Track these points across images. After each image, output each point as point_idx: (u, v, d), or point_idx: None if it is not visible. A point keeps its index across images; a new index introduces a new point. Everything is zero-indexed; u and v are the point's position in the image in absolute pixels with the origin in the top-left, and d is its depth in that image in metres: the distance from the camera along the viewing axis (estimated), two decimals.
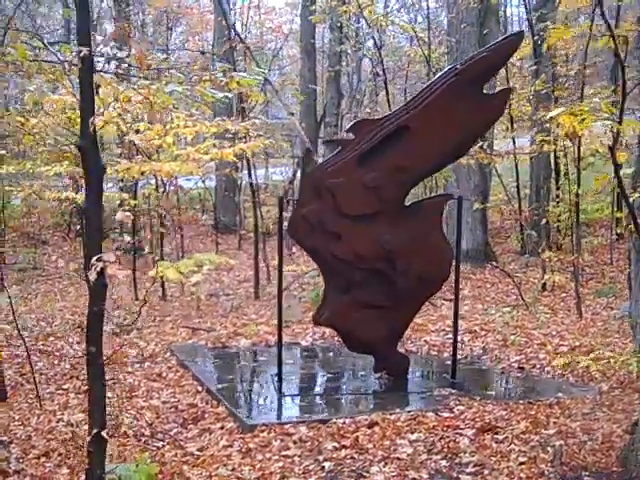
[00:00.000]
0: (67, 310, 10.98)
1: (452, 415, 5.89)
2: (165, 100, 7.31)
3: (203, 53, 18.04)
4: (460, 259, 7.10)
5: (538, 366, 7.35)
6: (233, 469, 5.08)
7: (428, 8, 14.91)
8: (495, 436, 5.36)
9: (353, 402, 6.45)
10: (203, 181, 17.33)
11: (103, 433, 3.38)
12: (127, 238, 11.89)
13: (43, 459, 5.54)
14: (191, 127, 10.78)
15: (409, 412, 5.94)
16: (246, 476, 4.96)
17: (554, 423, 5.59)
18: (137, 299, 11.89)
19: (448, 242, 6.80)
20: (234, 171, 15.60)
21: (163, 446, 5.61)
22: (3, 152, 14.04)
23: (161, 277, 10.49)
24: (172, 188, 15.29)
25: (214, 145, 10.93)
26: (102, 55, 4.06)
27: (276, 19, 24.35)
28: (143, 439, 5.78)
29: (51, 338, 9.11)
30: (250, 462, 5.17)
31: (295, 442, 5.44)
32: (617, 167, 3.91)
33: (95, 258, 3.34)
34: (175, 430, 5.91)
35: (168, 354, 8.01)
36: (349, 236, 6.47)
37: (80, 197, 13.54)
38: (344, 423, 5.73)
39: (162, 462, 5.28)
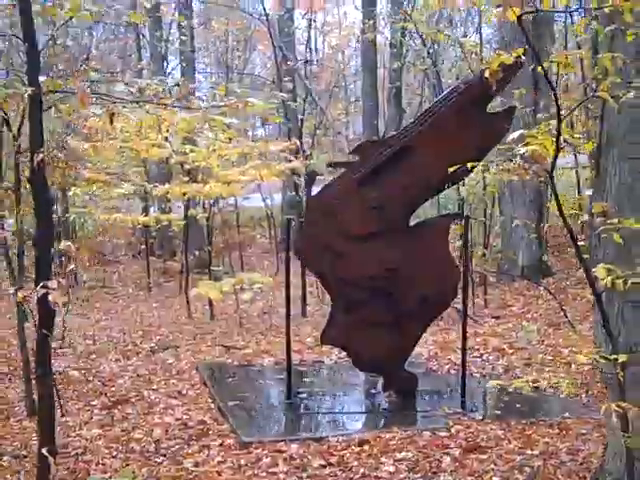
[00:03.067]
0: (115, 328, 11.37)
1: (447, 435, 5.93)
2: (185, 126, 7.66)
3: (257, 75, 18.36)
4: (519, 273, 7.08)
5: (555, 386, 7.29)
6: None
7: (480, 23, 14.85)
8: (479, 456, 5.38)
9: (356, 420, 6.55)
10: (264, 200, 17.66)
11: (43, 451, 3.57)
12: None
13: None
14: (232, 149, 11.11)
15: (405, 431, 6.00)
16: None
17: (544, 443, 5.57)
18: (190, 317, 12.25)
19: (454, 263, 6.83)
20: (292, 190, 15.85)
21: (162, 462, 5.83)
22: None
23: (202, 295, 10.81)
24: (224, 208, 15.71)
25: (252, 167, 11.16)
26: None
27: (340, 35, 24.58)
28: (147, 454, 6.02)
29: (93, 355, 9.48)
30: (237, 478, 5.34)
31: (285, 459, 5.58)
32: (556, 195, 3.92)
33: (40, 285, 3.57)
34: (178, 446, 6.11)
35: (194, 372, 8.25)
36: (352, 256, 6.59)
37: (146, 218, 14.09)
38: (337, 441, 5.84)
39: (157, 477, 5.51)
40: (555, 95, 3.81)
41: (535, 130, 4.45)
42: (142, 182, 15.19)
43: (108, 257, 19.86)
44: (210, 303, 11.97)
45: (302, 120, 16.20)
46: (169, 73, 19.91)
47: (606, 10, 3.92)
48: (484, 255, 12.22)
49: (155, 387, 7.85)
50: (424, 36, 15.59)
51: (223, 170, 11.34)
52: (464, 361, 7.00)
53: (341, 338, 6.81)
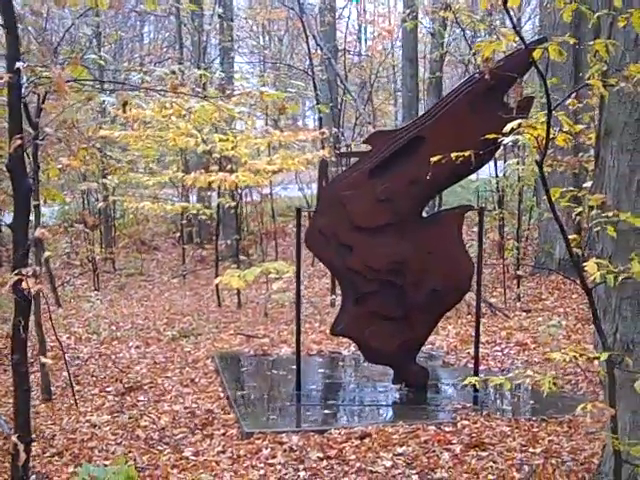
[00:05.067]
0: (141, 315, 11.44)
1: (452, 430, 5.81)
2: (203, 114, 7.63)
3: (291, 67, 18.30)
4: (555, 267, 6.92)
5: (573, 382, 7.13)
6: (215, 474, 5.24)
7: (519, 13, 14.55)
8: (480, 453, 5.27)
9: (361, 413, 6.47)
10: (300, 189, 17.60)
11: (14, 438, 3.57)
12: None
13: (56, 458, 5.87)
14: (261, 138, 11.09)
15: (410, 425, 5.90)
16: None
17: (549, 441, 5.43)
18: (219, 305, 12.26)
19: (468, 255, 6.69)
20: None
21: (164, 450, 5.82)
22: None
23: (225, 284, 10.82)
24: (260, 197, 15.72)
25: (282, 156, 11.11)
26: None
27: (383, 24, 24.33)
28: (150, 442, 6.02)
29: (115, 342, 9.54)
30: (235, 468, 5.31)
31: (285, 451, 5.53)
32: (546, 186, 3.78)
33: (15, 272, 3.56)
34: (182, 435, 6.11)
35: (209, 360, 8.24)
36: (361, 248, 6.49)
37: (173, 207, 14.15)
38: (339, 434, 5.77)
39: (156, 465, 5.51)
40: (545, 84, 3.67)
41: (534, 120, 4.34)
42: (178, 171, 15.25)
43: (147, 244, 20.00)
44: (238, 292, 11.96)
45: (339, 110, 16.12)
46: (209, 63, 19.88)
47: None
48: (517, 249, 12.00)
49: (169, 375, 7.86)
50: (464, 25, 15.35)
51: (252, 159, 11.33)
52: (477, 354, 6.87)
53: (351, 329, 6.72)
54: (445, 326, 9.70)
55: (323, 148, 11.89)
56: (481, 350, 8.42)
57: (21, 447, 3.49)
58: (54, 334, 9.13)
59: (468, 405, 6.43)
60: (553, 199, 4.06)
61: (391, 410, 6.59)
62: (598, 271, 3.65)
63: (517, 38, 3.84)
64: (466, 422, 5.96)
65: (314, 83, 12.46)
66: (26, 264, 3.72)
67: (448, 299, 6.68)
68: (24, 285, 3.56)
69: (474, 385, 6.70)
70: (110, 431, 6.31)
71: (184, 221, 15.84)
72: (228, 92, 8.12)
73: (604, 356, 3.40)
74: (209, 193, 16.64)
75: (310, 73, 12.71)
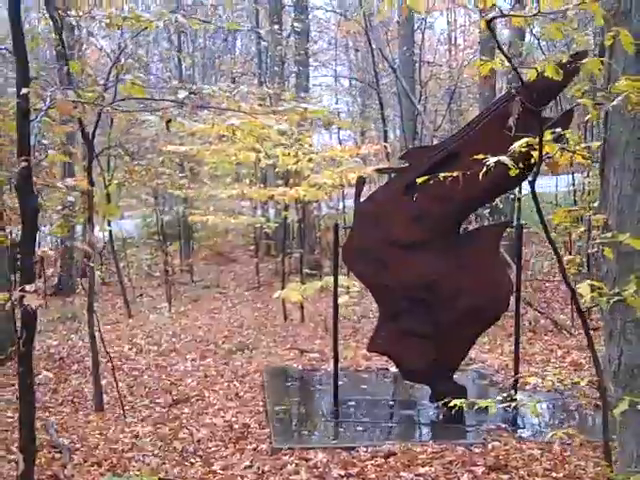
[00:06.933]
0: (204, 327, 11.67)
1: (480, 451, 5.74)
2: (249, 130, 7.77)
3: (358, 80, 18.30)
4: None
5: None
6: None
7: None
8: (500, 476, 5.19)
9: (393, 431, 6.43)
10: None
11: (13, 448, 3.72)
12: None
13: (95, 467, 6.06)
14: (320, 152, 11.18)
15: (440, 445, 5.86)
16: None
17: (575, 466, 5.30)
18: (285, 319, 12.38)
19: (506, 273, 6.59)
20: None
21: (195, 462, 5.94)
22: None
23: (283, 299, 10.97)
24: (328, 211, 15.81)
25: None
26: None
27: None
28: (185, 455, 6.15)
29: (173, 354, 9.77)
30: None
31: (309, 467, 5.58)
32: (537, 204, 3.72)
33: (19, 289, 3.74)
34: (215, 448, 6.22)
35: (257, 375, 8.35)
36: (395, 264, 6.49)
37: (238, 219, 14.39)
38: (366, 451, 5.78)
39: (184, 477, 5.63)
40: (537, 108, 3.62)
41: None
42: (251, 184, 15.50)
43: (226, 257, 20.36)
44: (301, 306, 12.06)
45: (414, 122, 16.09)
46: (287, 77, 20.13)
47: None
48: (580, 266, 11.68)
49: (217, 388, 8.01)
50: (538, 35, 15.13)
51: (314, 174, 11.43)
52: (516, 373, 6.74)
53: (387, 346, 6.72)
54: (502, 344, 9.57)
55: (388, 161, 11.93)
56: (532, 369, 8.31)
57: (20, 457, 3.64)
58: (114, 345, 9.45)
59: (503, 426, 6.33)
60: (558, 220, 4.00)
61: (425, 429, 6.55)
62: (591, 293, 3.57)
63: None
64: (497, 444, 5.88)
65: (379, 97, 12.48)
66: (32, 280, 3.88)
67: (485, 317, 6.58)
68: (26, 301, 3.71)
69: (515, 406, 6.62)
70: (150, 442, 6.47)
71: (253, 234, 16.00)
72: (278, 108, 8.18)
73: (584, 382, 3.31)
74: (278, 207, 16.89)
75: (375, 87, 12.73)
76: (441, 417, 6.68)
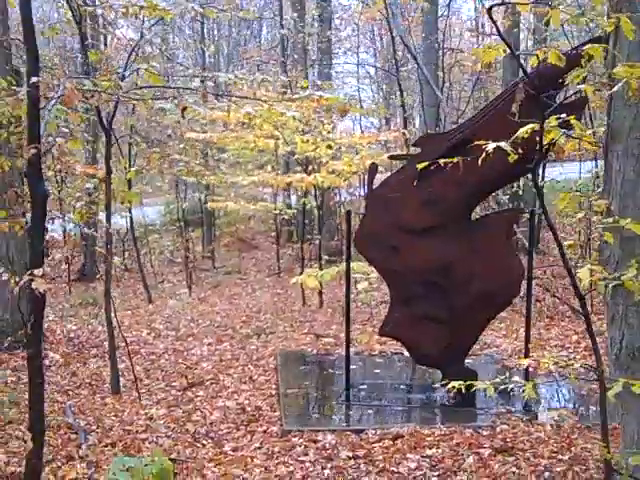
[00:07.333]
0: (222, 312, 11.77)
1: (489, 434, 5.78)
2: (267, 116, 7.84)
3: (376, 67, 18.26)
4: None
5: None
6: (247, 469, 5.41)
7: None
8: (506, 458, 5.23)
9: (405, 414, 6.49)
10: None
11: (22, 427, 3.83)
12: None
13: (109, 447, 6.17)
14: (340, 139, 11.21)
15: (448, 427, 5.91)
16: (254, 476, 5.27)
17: (581, 449, 5.33)
18: (304, 304, 12.46)
19: (518, 258, 6.61)
20: None
21: (207, 444, 6.04)
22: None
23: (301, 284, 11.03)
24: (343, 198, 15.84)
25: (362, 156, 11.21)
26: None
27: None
28: (197, 437, 6.25)
29: (190, 338, 9.89)
30: (266, 464, 5.47)
31: (317, 449, 5.65)
32: (539, 191, 3.74)
33: (27, 273, 3.84)
34: (227, 430, 6.31)
35: (272, 359, 8.43)
36: (407, 250, 6.54)
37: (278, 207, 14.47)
38: (374, 434, 5.84)
39: (194, 458, 5.73)
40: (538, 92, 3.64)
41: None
42: (272, 171, 15.57)
43: (248, 243, 20.47)
44: (319, 292, 12.13)
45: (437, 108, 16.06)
46: (310, 64, 20.13)
47: None
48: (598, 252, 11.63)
49: (231, 372, 8.10)
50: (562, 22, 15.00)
51: (333, 160, 11.48)
52: (527, 356, 6.75)
53: (399, 330, 6.77)
54: (518, 329, 9.58)
55: (408, 149, 11.93)
56: (545, 354, 8.30)
57: (28, 437, 3.74)
58: (133, 330, 9.55)
59: (513, 409, 6.36)
60: (562, 205, 4.02)
61: (435, 412, 6.60)
62: (590, 277, 3.60)
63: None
64: (505, 427, 5.92)
65: (398, 83, 12.49)
66: (40, 265, 3.97)
67: (497, 302, 6.61)
68: (34, 285, 3.80)
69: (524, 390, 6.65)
70: (164, 424, 6.57)
71: (273, 221, 16.07)
72: (294, 96, 8.24)
73: (577, 364, 3.35)
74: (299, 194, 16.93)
75: (395, 74, 12.73)
76: (452, 401, 6.73)
